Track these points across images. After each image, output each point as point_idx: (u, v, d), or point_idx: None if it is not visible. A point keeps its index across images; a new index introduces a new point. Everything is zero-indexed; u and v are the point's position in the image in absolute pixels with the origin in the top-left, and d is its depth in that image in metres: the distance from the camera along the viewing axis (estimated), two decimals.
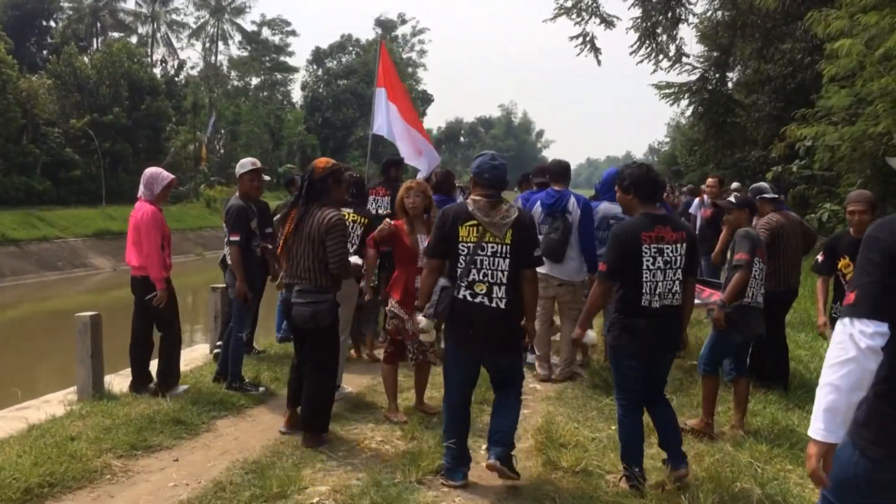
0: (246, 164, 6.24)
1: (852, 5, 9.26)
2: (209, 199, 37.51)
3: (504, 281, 4.15)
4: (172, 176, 6.04)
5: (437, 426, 5.16)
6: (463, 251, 4.18)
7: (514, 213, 4.21)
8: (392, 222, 5.37)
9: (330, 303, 4.81)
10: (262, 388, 6.11)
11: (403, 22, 74.77)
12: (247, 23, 63.75)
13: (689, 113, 23.81)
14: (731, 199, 5.49)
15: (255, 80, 64.05)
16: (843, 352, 2.13)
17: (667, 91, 19.91)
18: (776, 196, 6.48)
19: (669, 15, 18.38)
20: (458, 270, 4.19)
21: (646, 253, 4.07)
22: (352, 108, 59.04)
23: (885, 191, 13.27)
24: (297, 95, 67.44)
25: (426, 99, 73.37)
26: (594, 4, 18.22)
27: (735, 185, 11.57)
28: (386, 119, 9.20)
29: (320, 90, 65.14)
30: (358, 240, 5.90)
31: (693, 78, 20.08)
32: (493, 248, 4.16)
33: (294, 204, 4.94)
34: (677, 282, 4.15)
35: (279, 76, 65.08)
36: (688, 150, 31.66)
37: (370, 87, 9.63)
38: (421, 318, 4.40)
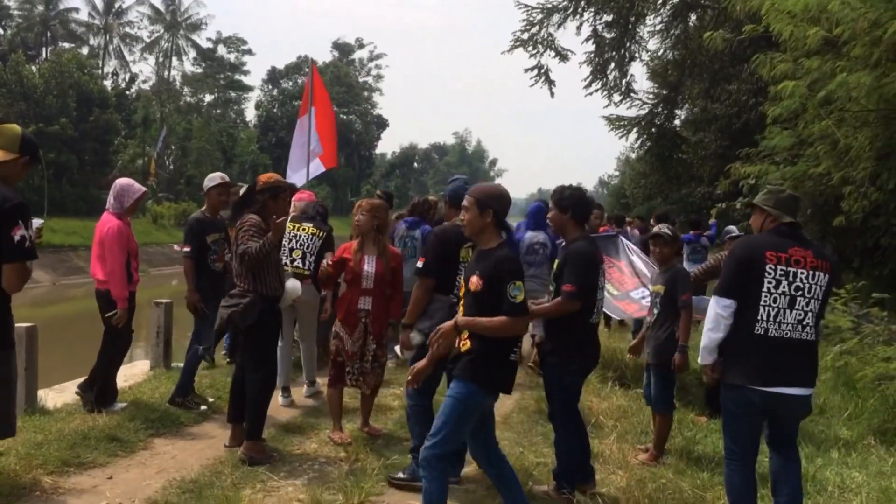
0: (215, 177, 6.33)
1: (796, 49, 9.59)
2: (156, 215, 36.84)
3: None
4: (144, 189, 5.91)
5: (382, 448, 5.15)
6: (461, 272, 4.38)
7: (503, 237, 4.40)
8: (329, 262, 5.45)
9: (246, 305, 4.74)
10: (203, 407, 5.98)
11: (361, 46, 75.14)
12: (202, 39, 63.21)
13: (637, 146, 24.40)
14: (667, 230, 5.46)
15: (208, 97, 63.42)
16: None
17: (617, 124, 20.35)
18: (740, 235, 6.63)
19: (622, 51, 18.81)
20: (455, 289, 4.41)
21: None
22: None
23: (824, 230, 13.73)
24: (250, 114, 67.07)
25: (381, 123, 73.66)
26: (549, 38, 18.56)
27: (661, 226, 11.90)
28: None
29: (275, 110, 64.86)
30: (316, 251, 6.19)
31: (642, 113, 20.55)
32: None
33: (234, 215, 5.09)
34: None
35: (233, 94, 64.59)
36: (635, 182, 32.30)
37: None
38: (414, 335, 4.55)
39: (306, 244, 6.24)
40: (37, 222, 3.68)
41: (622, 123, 20.52)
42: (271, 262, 4.89)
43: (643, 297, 7.08)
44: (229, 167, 51.08)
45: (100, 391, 5.76)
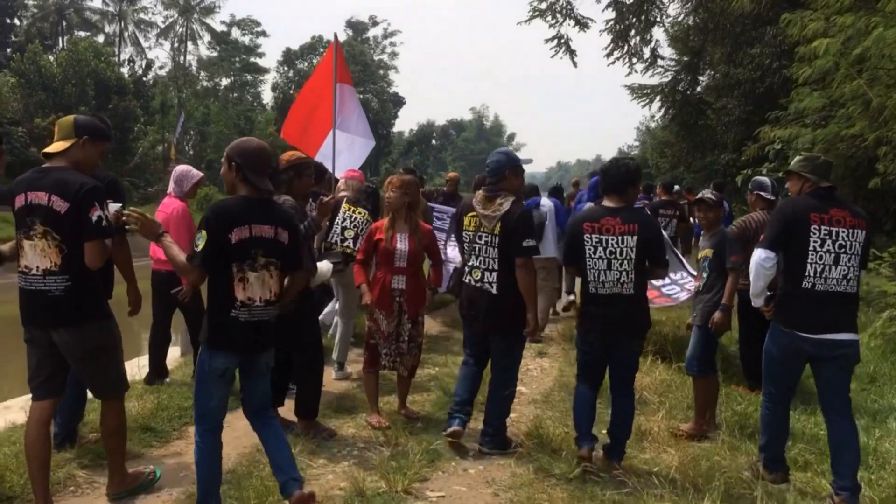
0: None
1: (828, 7, 9.27)
2: None
3: (495, 267, 4.63)
4: (201, 174, 6.18)
5: (422, 431, 5.04)
6: (465, 239, 4.80)
7: (506, 207, 4.59)
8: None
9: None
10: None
11: (375, 24, 74.35)
12: (216, 23, 63.01)
13: (660, 115, 23.99)
14: (710, 195, 5.37)
15: (224, 81, 63.21)
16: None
17: (640, 93, 19.97)
18: (773, 198, 6.26)
19: (643, 18, 18.38)
20: (464, 256, 4.83)
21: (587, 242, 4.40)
22: None
23: (856, 192, 13.39)
24: (267, 97, 66.80)
25: (398, 101, 73.13)
26: (568, 7, 18.16)
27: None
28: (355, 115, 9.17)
29: (291, 91, 64.50)
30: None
31: (665, 80, 20.13)
32: (485, 237, 4.66)
33: None
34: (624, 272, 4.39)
35: (249, 77, 64.28)
36: (658, 152, 31.84)
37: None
38: None
39: (360, 227, 6.15)
40: (114, 206, 3.77)
41: (645, 92, 20.12)
42: (307, 244, 4.83)
43: (664, 286, 7.22)
44: None
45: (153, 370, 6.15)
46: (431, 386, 6.31)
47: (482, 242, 4.67)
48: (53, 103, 34.30)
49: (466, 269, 4.79)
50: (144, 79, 47.04)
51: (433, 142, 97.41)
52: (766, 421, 4.37)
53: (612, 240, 4.32)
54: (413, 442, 4.83)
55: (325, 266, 5.26)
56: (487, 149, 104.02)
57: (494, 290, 4.63)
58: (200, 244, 3.49)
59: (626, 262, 4.31)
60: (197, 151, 49.64)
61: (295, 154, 5.07)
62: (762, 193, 6.27)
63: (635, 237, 4.31)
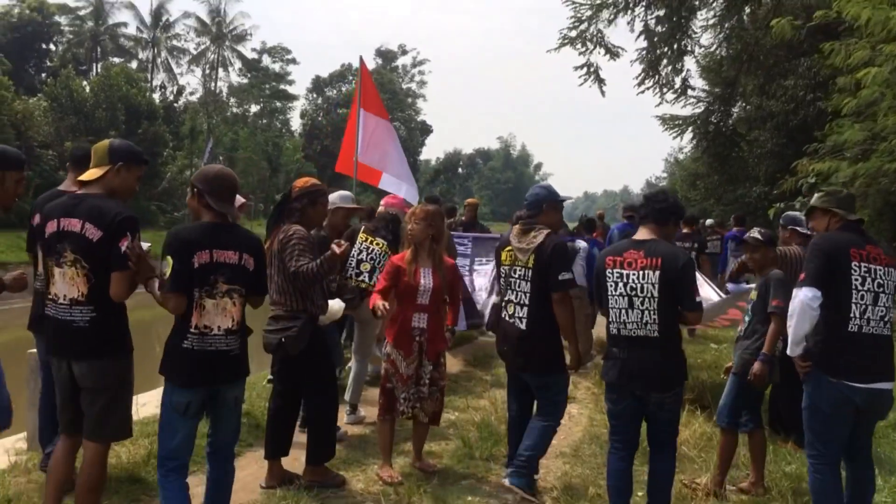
0: (347, 197, 5.90)
1: (873, 35, 8.87)
2: None
3: (526, 302, 4.51)
4: (244, 200, 5.41)
5: (438, 489, 4.62)
6: (502, 274, 4.73)
7: (539, 239, 4.50)
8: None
9: (300, 328, 4.40)
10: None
11: (404, 52, 74.93)
12: (247, 50, 63.76)
13: (689, 147, 23.58)
14: (757, 234, 4.95)
15: (254, 108, 63.89)
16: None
17: (671, 124, 19.59)
18: (808, 233, 5.91)
19: (675, 47, 18.03)
20: (501, 291, 4.75)
21: (609, 278, 4.08)
22: None
23: (893, 228, 12.88)
24: (296, 123, 67.33)
25: (425, 129, 73.35)
26: (599, 35, 17.86)
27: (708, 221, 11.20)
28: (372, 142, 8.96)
29: (319, 118, 64.98)
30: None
31: (698, 111, 19.75)
32: (520, 271, 4.56)
33: (270, 226, 4.70)
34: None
35: (278, 104, 64.90)
36: (689, 184, 31.37)
37: None
38: None
39: (377, 259, 5.88)
40: (144, 245, 3.57)
41: (676, 123, 19.72)
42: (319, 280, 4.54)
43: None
44: (275, 176, 51.31)
45: None
46: (450, 434, 5.82)
47: (516, 276, 4.59)
48: (84, 128, 34.64)
49: (503, 304, 4.71)
50: (175, 104, 47.56)
51: (459, 170, 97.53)
52: (819, 489, 3.88)
53: (633, 275, 3.94)
54: (426, 500, 4.44)
55: (336, 305, 4.91)
56: (514, 178, 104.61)
57: (523, 326, 4.52)
58: (167, 270, 3.43)
59: (648, 300, 3.90)
60: None
61: (310, 180, 4.77)
62: (797, 228, 5.88)
63: (657, 272, 3.89)
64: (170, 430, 3.51)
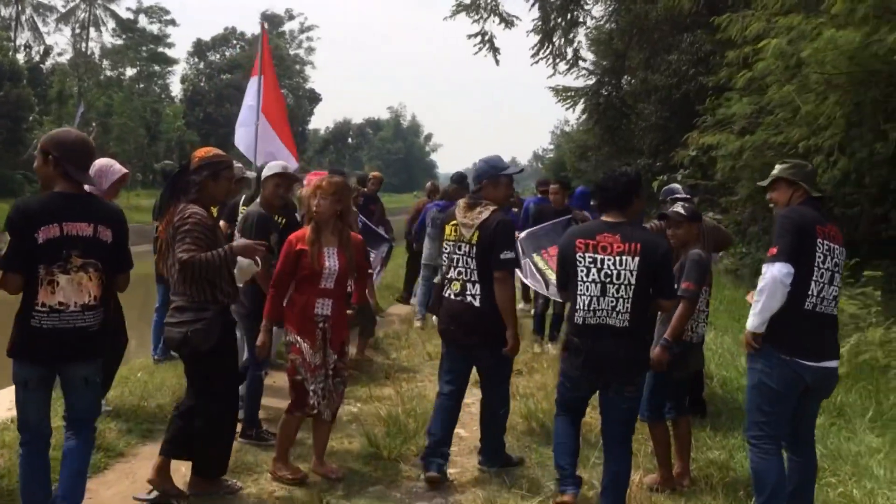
0: (274, 166, 5.20)
1: (767, 9, 8.94)
2: None
3: (475, 279, 4.33)
4: (125, 170, 4.83)
5: (343, 498, 4.18)
6: (446, 249, 4.52)
7: (484, 216, 4.30)
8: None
9: (208, 321, 3.82)
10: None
11: (291, 18, 72.57)
12: (121, 9, 60.01)
13: (578, 119, 23.84)
14: (679, 209, 4.61)
15: (130, 71, 60.37)
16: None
17: (564, 95, 19.69)
18: (688, 197, 5.58)
19: (568, 17, 18.04)
20: (443, 268, 4.56)
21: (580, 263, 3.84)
22: (235, 103, 56.18)
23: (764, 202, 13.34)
24: (176, 89, 64.19)
25: (314, 98, 71.59)
26: (493, 3, 17.68)
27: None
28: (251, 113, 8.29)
29: (202, 84, 62.25)
30: None
31: (590, 83, 19.93)
32: (464, 247, 4.37)
33: (165, 203, 4.02)
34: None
35: (157, 68, 61.61)
36: (577, 156, 31.81)
37: None
38: None
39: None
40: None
41: (569, 94, 19.85)
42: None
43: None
44: (154, 144, 48.81)
45: None
46: (353, 430, 5.23)
47: (462, 253, 4.40)
48: None
49: (445, 281, 4.52)
50: (42, 66, 44.30)
51: (349, 140, 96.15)
52: (764, 470, 3.70)
53: (609, 260, 3.75)
54: None
55: (244, 262, 4.06)
56: (404, 148, 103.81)
57: (477, 304, 4.32)
58: (3, 247, 3.24)
59: (623, 287, 3.73)
60: (99, 144, 47.00)
61: (212, 150, 4.08)
62: (676, 197, 5.59)
63: (636, 259, 3.72)
64: (19, 403, 3.41)
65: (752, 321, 3.67)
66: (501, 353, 4.36)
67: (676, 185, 5.94)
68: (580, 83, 20.78)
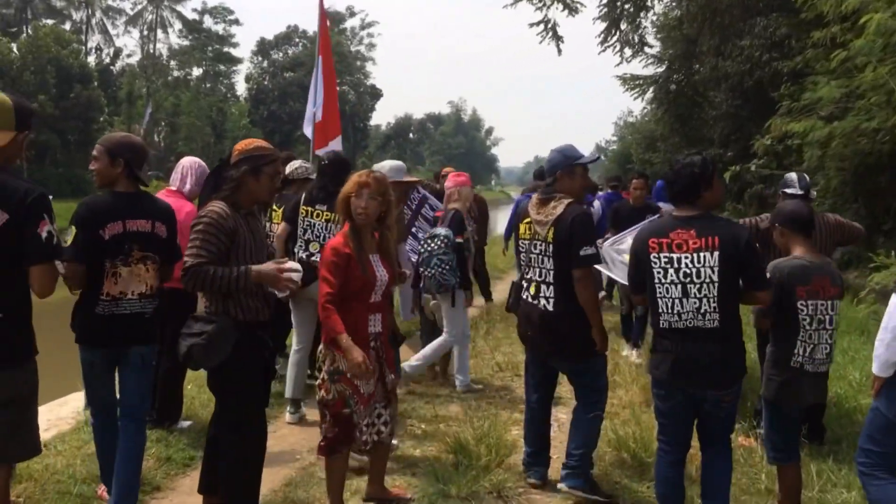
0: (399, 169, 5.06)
1: None
2: None
3: (551, 280, 4.01)
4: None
5: None
6: (522, 249, 4.23)
7: (559, 210, 3.95)
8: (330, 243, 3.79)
9: (211, 334, 3.26)
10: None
11: (352, 14, 72.90)
12: (187, 10, 61.35)
13: (642, 110, 22.97)
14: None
15: (196, 71, 61.52)
16: None
17: (632, 83, 18.94)
18: (803, 192, 4.95)
19: (637, 2, 17.29)
20: (522, 269, 4.30)
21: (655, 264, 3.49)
22: (299, 101, 56.87)
23: (869, 190, 12.43)
24: (241, 88, 65.16)
25: (375, 94, 71.74)
26: None
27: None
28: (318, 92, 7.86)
29: (265, 82, 63.05)
30: None
31: (660, 70, 19.13)
32: (540, 246, 4.05)
33: (203, 201, 3.59)
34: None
35: (222, 67, 62.65)
36: (644, 147, 30.83)
37: None
38: None
39: (322, 235, 4.98)
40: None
41: (637, 83, 19.05)
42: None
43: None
44: (220, 142, 49.51)
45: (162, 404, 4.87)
46: (416, 458, 4.58)
47: (537, 252, 4.07)
48: (9, 91, 32.43)
49: (524, 283, 4.21)
50: (111, 67, 45.39)
51: (410, 135, 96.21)
52: (886, 496, 3.21)
53: (686, 259, 3.39)
54: None
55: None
56: (465, 143, 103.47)
57: (550, 307, 4.00)
58: (69, 239, 3.39)
59: (706, 286, 3.36)
60: (167, 143, 48.05)
61: (254, 142, 3.60)
62: (787, 191, 5.02)
63: (716, 253, 3.35)
64: (87, 384, 3.76)
65: (876, 364, 3.15)
66: (583, 362, 4.07)
67: (791, 175, 5.17)
68: (649, 71, 19.99)
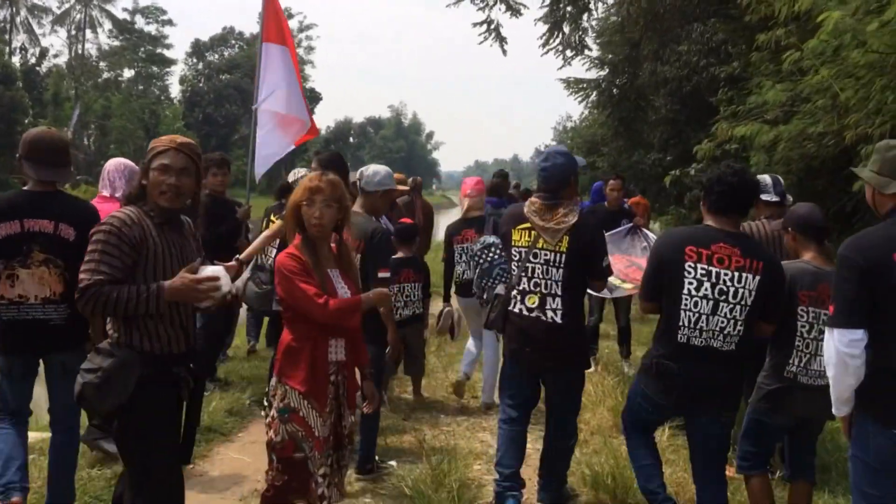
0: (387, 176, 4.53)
1: None
2: None
3: (558, 292, 3.77)
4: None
5: None
6: (515, 256, 3.91)
7: (573, 218, 3.76)
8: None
9: (109, 370, 2.65)
10: (392, 463, 4.57)
11: (290, 17, 71.61)
12: (118, 9, 59.41)
13: (581, 114, 22.96)
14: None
15: (128, 73, 59.65)
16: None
17: (576, 87, 18.86)
18: (778, 198, 4.72)
19: (580, 4, 17.18)
20: (512, 279, 3.91)
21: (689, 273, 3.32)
22: (235, 103, 55.69)
23: (816, 195, 12.50)
24: (175, 90, 63.43)
25: (314, 98, 70.58)
26: None
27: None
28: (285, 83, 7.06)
29: (200, 84, 61.53)
30: None
31: (603, 73, 19.13)
32: (546, 255, 3.79)
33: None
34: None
35: (155, 69, 60.87)
36: (585, 151, 30.95)
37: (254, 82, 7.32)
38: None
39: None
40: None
41: (581, 87, 18.98)
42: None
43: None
44: None
45: None
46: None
47: (540, 261, 3.80)
48: None
49: (515, 294, 3.87)
50: (38, 68, 43.56)
51: (351, 139, 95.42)
52: None
53: (726, 275, 3.27)
54: None
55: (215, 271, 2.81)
56: (406, 147, 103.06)
57: (559, 320, 3.76)
58: None
59: (739, 308, 3.27)
60: (98, 146, 46.43)
61: (176, 139, 2.89)
62: (762, 196, 4.64)
63: (758, 278, 3.26)
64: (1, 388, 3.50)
65: (834, 406, 2.79)
66: (575, 377, 3.96)
67: (764, 177, 4.91)
68: (592, 74, 19.95)
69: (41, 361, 3.50)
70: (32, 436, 3.99)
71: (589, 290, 5.84)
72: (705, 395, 3.33)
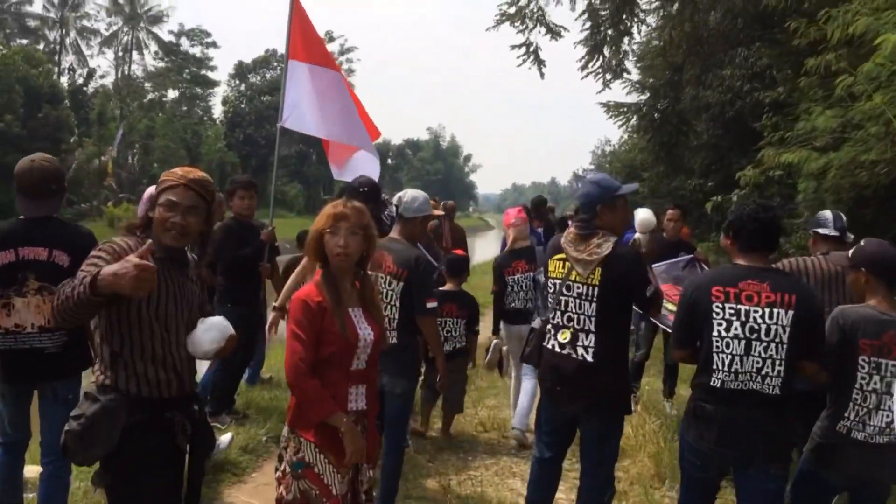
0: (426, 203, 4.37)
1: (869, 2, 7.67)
2: (113, 218, 34.36)
3: (591, 328, 3.55)
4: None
5: None
6: (550, 289, 3.75)
7: (607, 249, 3.51)
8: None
9: (93, 417, 2.44)
10: None
11: (331, 40, 72.45)
12: (164, 32, 60.59)
13: (624, 138, 22.68)
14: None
15: (172, 93, 60.72)
16: None
17: (616, 111, 18.56)
18: (838, 234, 4.40)
19: (620, 27, 16.92)
20: (548, 312, 3.75)
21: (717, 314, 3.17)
22: (275, 124, 56.26)
23: (867, 224, 12.01)
24: (217, 111, 64.38)
25: None
26: (540, 12, 16.62)
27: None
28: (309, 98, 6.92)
29: (242, 106, 62.34)
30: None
31: (643, 98, 18.82)
32: (578, 288, 3.59)
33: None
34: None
35: (199, 90, 61.88)
36: (624, 175, 30.55)
37: None
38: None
39: None
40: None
41: (622, 110, 18.67)
42: (149, 326, 2.53)
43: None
44: (195, 165, 48.43)
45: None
46: None
47: (572, 294, 3.60)
48: None
49: (549, 328, 3.72)
50: (85, 88, 44.47)
51: (388, 161, 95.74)
52: None
53: (756, 313, 3.10)
54: None
55: (211, 327, 2.64)
56: (443, 169, 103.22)
57: (590, 358, 3.54)
58: None
59: (773, 346, 3.07)
60: (141, 165, 47.11)
61: (191, 171, 2.72)
62: (818, 230, 4.51)
63: (791, 312, 3.06)
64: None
65: None
66: (612, 422, 3.69)
67: (825, 213, 4.60)
68: (632, 98, 19.69)
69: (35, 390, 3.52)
70: (30, 469, 3.87)
71: (634, 325, 5.60)
72: (748, 442, 3.08)
